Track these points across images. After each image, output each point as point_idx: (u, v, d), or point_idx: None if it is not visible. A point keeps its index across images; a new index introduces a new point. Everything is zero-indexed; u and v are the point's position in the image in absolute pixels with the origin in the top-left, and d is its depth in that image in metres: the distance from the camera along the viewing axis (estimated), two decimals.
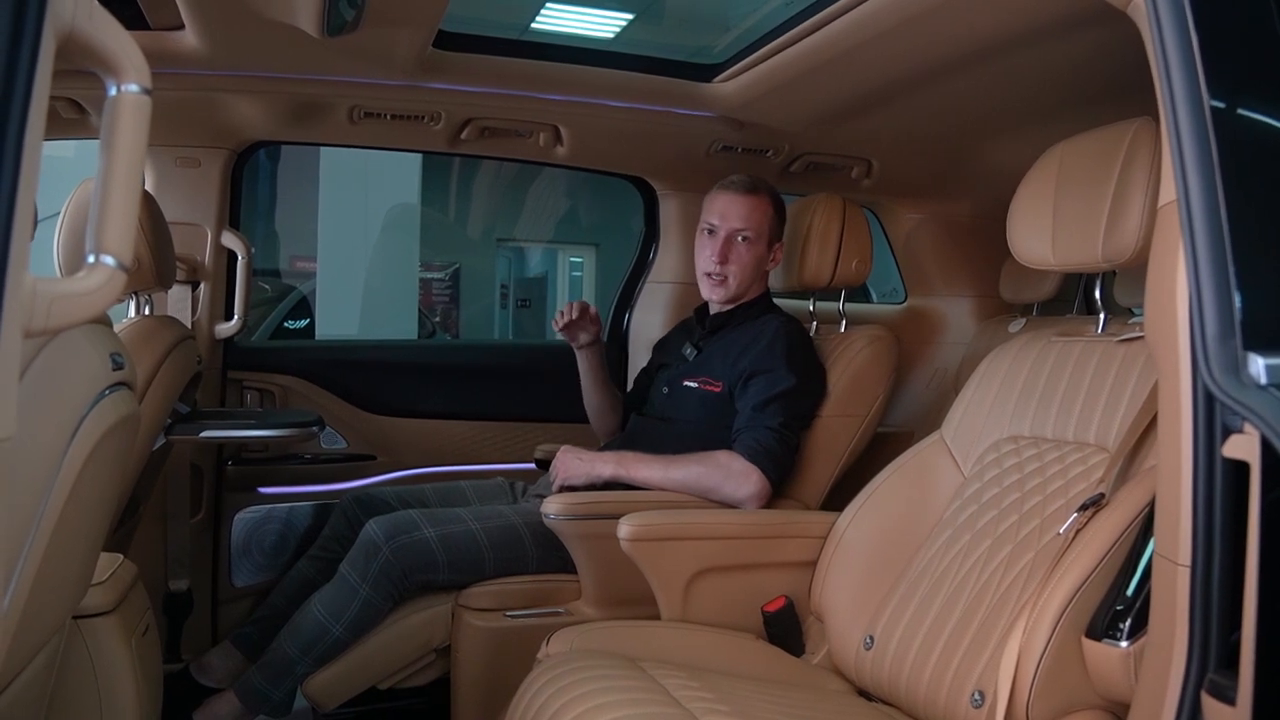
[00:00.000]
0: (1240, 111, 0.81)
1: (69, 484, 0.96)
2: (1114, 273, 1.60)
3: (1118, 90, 1.98)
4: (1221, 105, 0.78)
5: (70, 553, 1.08)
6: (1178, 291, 1.04)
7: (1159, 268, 1.11)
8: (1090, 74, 1.96)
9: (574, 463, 2.02)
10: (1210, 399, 0.99)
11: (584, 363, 2.41)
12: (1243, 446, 0.85)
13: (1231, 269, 0.76)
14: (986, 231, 2.97)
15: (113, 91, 0.76)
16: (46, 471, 0.93)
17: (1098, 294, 1.66)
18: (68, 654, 1.29)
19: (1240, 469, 0.90)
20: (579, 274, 11.28)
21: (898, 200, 3.00)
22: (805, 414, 2.07)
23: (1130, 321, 1.66)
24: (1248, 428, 0.84)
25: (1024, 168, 1.69)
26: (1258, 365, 0.77)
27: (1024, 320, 2.75)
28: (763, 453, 1.94)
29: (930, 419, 2.90)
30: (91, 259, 0.74)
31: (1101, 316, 1.64)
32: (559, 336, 2.37)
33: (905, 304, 3.18)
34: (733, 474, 1.92)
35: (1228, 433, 0.89)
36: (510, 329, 11.45)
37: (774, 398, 2.00)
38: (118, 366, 1.09)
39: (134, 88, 0.77)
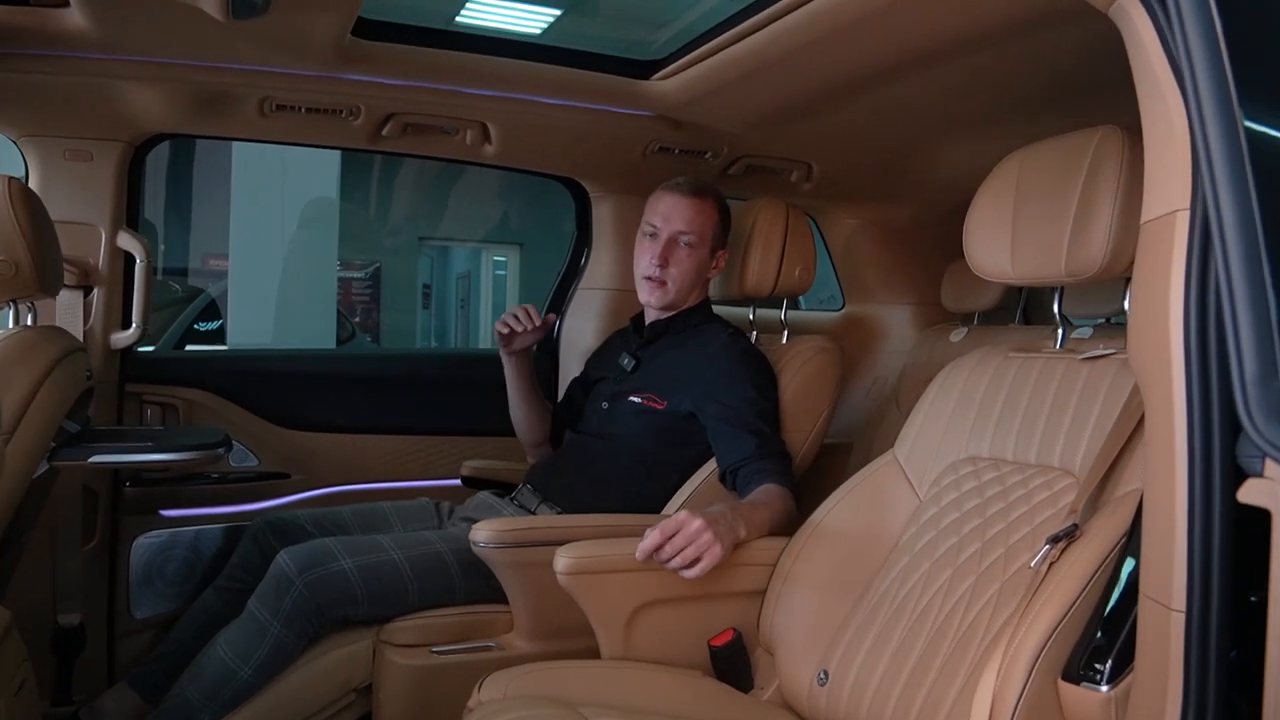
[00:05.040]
0: (1278, 124, 0.73)
1: None
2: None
3: (1064, 97, 1.95)
4: (1258, 120, 0.69)
5: None
6: (1171, 315, 0.97)
7: (1147, 288, 1.03)
8: (1035, 81, 1.92)
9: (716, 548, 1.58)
10: (1209, 435, 0.92)
11: (513, 369, 2.24)
12: (1262, 492, 0.76)
13: (1273, 305, 0.67)
14: (927, 237, 2.93)
15: None
16: None
17: (1056, 308, 1.59)
18: None
19: (1251, 513, 0.82)
20: (503, 273, 11.13)
21: (837, 204, 2.94)
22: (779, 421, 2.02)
23: (1075, 335, 1.60)
24: (1269, 472, 0.75)
25: (967, 173, 1.63)
26: None
27: (966, 329, 2.71)
28: (788, 475, 1.89)
29: (869, 429, 2.85)
30: None
31: (1060, 332, 1.58)
32: (488, 344, 2.24)
33: (843, 311, 3.12)
34: (789, 505, 1.83)
35: (1241, 475, 0.81)
36: (433, 332, 11.24)
37: (760, 415, 1.94)
38: None
39: None
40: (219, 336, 6.05)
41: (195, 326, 5.76)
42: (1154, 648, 1.00)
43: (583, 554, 1.60)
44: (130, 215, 2.22)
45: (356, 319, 9.52)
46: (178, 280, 7.20)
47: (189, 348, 5.62)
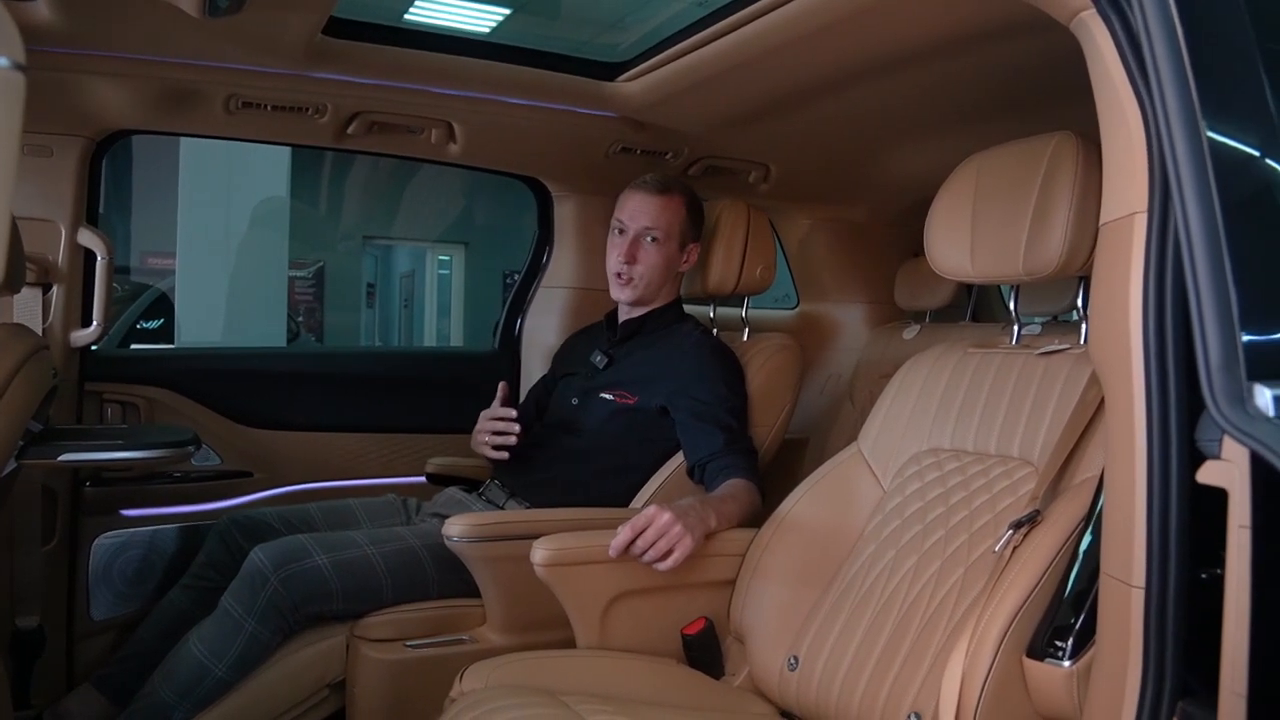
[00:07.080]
0: (1235, 133, 0.79)
1: None
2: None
3: (1018, 104, 2.02)
4: (1218, 130, 0.75)
5: None
6: (1131, 311, 1.03)
7: (1107, 285, 1.09)
8: (991, 88, 1.99)
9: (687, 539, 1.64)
10: (1167, 421, 0.98)
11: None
12: (1220, 473, 0.82)
13: (1234, 298, 0.73)
14: (880, 237, 3.01)
15: None
16: None
17: (1013, 305, 1.66)
18: None
19: (1207, 493, 0.88)
20: (446, 272, 11.07)
21: (793, 205, 2.99)
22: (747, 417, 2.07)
23: (1024, 332, 1.67)
24: (1226, 453, 0.81)
25: (921, 175, 1.68)
26: (1265, 397, 0.75)
27: (918, 327, 2.78)
28: (754, 470, 1.93)
29: (824, 425, 2.92)
30: None
31: (1015, 328, 1.65)
32: (434, 344, 2.25)
33: (798, 309, 3.18)
34: (755, 499, 1.88)
35: (1199, 458, 0.87)
36: (377, 332, 11.13)
37: (730, 411, 1.99)
38: None
39: (2, 62, 0.62)
40: (163, 334, 5.94)
41: (140, 325, 5.65)
42: (1115, 623, 1.06)
43: (560, 546, 1.63)
44: (90, 212, 2.19)
45: (300, 318, 9.39)
46: (117, 279, 7.03)
47: (133, 346, 5.52)
